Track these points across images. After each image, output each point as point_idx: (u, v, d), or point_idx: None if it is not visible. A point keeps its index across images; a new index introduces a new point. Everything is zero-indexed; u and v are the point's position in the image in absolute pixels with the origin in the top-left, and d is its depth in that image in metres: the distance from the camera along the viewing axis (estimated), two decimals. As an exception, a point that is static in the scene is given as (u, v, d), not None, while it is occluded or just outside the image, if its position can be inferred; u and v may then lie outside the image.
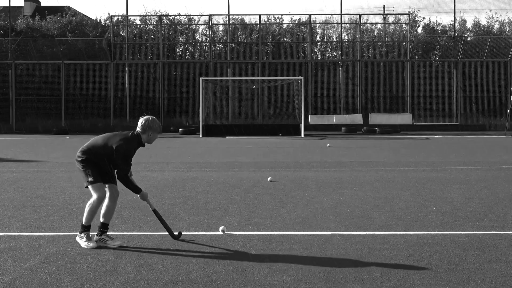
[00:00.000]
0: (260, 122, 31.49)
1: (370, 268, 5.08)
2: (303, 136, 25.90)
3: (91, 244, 5.80)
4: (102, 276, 4.88)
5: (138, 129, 6.04)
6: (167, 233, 6.33)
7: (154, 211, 6.17)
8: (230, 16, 33.89)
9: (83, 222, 5.92)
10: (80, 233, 5.92)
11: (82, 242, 5.86)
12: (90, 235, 5.91)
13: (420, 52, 35.54)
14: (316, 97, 32.46)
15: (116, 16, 34.49)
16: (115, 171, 5.96)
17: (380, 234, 6.40)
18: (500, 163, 13.94)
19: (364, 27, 35.25)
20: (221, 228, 6.46)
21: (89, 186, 5.95)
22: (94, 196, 5.91)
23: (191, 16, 36.06)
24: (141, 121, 6.06)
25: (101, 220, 5.96)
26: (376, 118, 31.08)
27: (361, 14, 33.71)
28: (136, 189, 5.94)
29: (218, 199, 8.65)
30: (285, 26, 35.98)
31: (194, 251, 5.69)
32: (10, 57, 32.41)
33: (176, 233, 6.13)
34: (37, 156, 16.25)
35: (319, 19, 36.18)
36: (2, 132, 30.11)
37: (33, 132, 29.67)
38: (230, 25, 34.15)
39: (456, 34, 33.43)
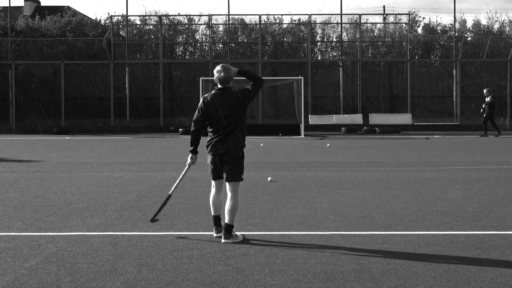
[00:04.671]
0: (260, 122, 31.48)
1: (370, 268, 5.09)
2: (303, 136, 25.90)
3: (241, 237, 6.16)
4: (102, 276, 4.88)
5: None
6: (167, 233, 6.35)
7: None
8: (230, 16, 33.88)
9: (229, 222, 6.08)
10: (228, 235, 6.07)
11: (237, 239, 6.08)
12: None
13: (420, 52, 35.52)
14: (316, 97, 32.45)
15: (116, 16, 34.48)
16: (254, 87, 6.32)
17: (380, 234, 6.40)
18: (500, 163, 13.94)
19: (364, 27, 35.23)
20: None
21: (238, 183, 6.21)
22: (236, 195, 6.17)
23: (191, 16, 36.06)
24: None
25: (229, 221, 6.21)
26: (376, 118, 31.07)
27: (361, 14, 33.68)
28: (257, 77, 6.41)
29: (218, 199, 8.65)
30: (285, 26, 35.96)
31: (194, 251, 5.69)
32: (10, 57, 32.39)
33: (156, 218, 6.45)
34: (37, 156, 16.25)
35: (319, 19, 36.17)
36: (2, 132, 30.11)
37: (33, 132, 29.67)
38: (230, 25, 34.15)
39: (456, 34, 33.43)
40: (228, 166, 6.14)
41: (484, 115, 25.60)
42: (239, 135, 6.20)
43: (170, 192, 6.28)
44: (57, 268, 5.12)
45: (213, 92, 6.32)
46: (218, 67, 6.29)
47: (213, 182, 6.33)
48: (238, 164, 6.19)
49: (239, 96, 6.20)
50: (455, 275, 4.90)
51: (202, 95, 26.91)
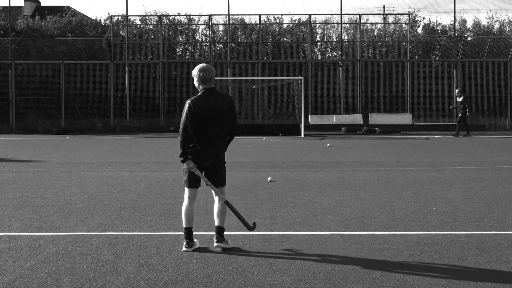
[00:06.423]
0: (260, 122, 31.48)
1: (370, 268, 5.09)
2: (303, 136, 25.90)
3: (232, 244, 5.84)
4: (102, 276, 4.88)
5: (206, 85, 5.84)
6: (167, 233, 6.34)
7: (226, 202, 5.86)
8: (230, 16, 33.88)
9: (221, 224, 5.80)
10: (222, 239, 5.76)
11: (228, 245, 5.80)
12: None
13: (420, 52, 35.52)
14: (316, 97, 32.44)
15: (116, 16, 34.48)
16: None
17: (380, 234, 6.40)
18: (500, 163, 13.94)
19: (364, 27, 35.22)
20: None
21: (224, 188, 5.94)
22: (224, 197, 5.88)
23: (191, 16, 36.06)
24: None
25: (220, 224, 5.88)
26: (376, 118, 31.07)
27: (361, 14, 33.68)
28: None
29: (218, 199, 8.65)
30: (285, 26, 35.95)
31: (194, 251, 5.69)
32: (10, 57, 32.39)
33: (251, 224, 5.87)
34: (37, 156, 16.25)
35: (319, 19, 36.16)
36: (2, 132, 30.11)
37: (33, 132, 29.67)
38: (230, 25, 34.16)
39: (456, 34, 33.43)
40: (219, 171, 5.84)
41: (460, 115, 25.76)
42: (226, 143, 5.91)
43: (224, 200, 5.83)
44: (57, 268, 5.12)
45: (199, 94, 5.79)
46: (199, 67, 5.78)
47: (187, 191, 5.85)
48: (225, 169, 5.97)
49: (229, 104, 5.83)
50: (455, 275, 4.90)
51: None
